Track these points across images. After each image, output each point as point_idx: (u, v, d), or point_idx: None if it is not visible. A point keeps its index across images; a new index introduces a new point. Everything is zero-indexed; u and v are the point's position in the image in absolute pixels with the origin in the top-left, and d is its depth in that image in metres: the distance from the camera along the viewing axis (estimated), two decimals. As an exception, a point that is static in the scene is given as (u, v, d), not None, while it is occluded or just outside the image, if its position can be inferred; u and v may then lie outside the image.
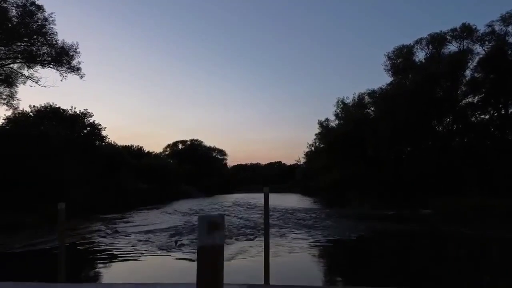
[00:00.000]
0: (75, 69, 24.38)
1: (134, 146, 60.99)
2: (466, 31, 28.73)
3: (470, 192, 28.38)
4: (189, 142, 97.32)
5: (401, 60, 32.85)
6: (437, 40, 30.63)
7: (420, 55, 32.40)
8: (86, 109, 35.26)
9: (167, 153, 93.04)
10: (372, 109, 41.67)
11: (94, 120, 35.56)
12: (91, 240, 13.59)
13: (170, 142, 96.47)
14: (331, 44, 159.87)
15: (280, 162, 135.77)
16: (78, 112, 34.94)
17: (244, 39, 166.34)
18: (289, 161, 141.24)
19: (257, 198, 55.81)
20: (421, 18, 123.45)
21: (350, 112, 43.43)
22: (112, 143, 45.75)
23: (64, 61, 24.37)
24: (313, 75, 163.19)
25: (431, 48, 31.28)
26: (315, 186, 57.39)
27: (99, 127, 35.76)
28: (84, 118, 35.11)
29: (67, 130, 34.51)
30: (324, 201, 42.98)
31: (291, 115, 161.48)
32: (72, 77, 24.47)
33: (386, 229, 16.23)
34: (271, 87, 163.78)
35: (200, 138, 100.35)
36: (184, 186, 64.85)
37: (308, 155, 72.28)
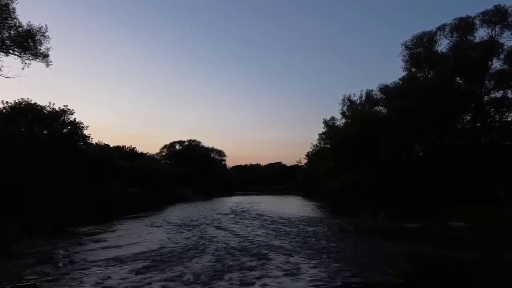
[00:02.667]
0: (42, 56, 20.52)
1: (126, 147, 57.10)
2: (499, 14, 24.91)
3: (495, 200, 24.67)
4: (186, 143, 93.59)
5: (420, 49, 28.98)
6: (462, 27, 26.77)
7: (443, 44, 28.55)
8: (66, 106, 31.44)
9: (163, 154, 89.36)
10: (383, 106, 37.90)
11: (75, 118, 31.73)
12: (20, 284, 9.68)
13: (167, 142, 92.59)
14: (332, 44, 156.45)
15: (280, 162, 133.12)
16: (57, 109, 31.13)
17: (243, 39, 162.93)
18: (289, 161, 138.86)
19: (258, 201, 52.20)
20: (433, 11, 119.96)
21: (359, 110, 39.64)
22: (100, 143, 42.11)
23: (30, 46, 20.54)
24: (313, 75, 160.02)
25: (456, 35, 27.45)
26: (318, 190, 53.49)
27: (81, 125, 31.88)
28: (64, 116, 31.23)
29: (45, 129, 30.82)
30: (329, 207, 39.14)
31: (291, 115, 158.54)
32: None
33: (431, 255, 12.34)
34: (270, 87, 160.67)
35: (198, 139, 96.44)
36: (182, 189, 61.12)
37: (309, 156, 68.73)
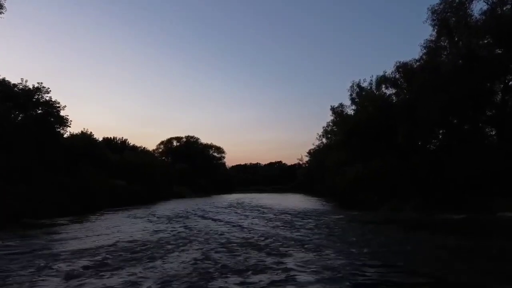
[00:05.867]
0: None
1: (118, 138, 52.88)
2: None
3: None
4: (184, 139, 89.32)
5: (449, 14, 24.90)
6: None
7: (477, 8, 24.35)
8: (41, 83, 27.14)
9: (160, 150, 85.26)
10: (399, 88, 33.85)
11: (51, 97, 27.41)
12: None
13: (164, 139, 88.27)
14: (333, 44, 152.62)
15: (280, 162, 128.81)
16: (30, 87, 26.89)
17: (243, 38, 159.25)
18: (289, 161, 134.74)
19: (259, 197, 48.11)
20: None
21: (372, 94, 35.56)
22: (86, 131, 37.85)
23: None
24: (313, 75, 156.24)
25: (492, -3, 23.39)
26: (323, 187, 49.20)
27: (57, 106, 27.56)
28: (39, 94, 26.95)
29: (16, 110, 26.70)
30: (340, 202, 34.97)
31: (291, 115, 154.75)
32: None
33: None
34: (271, 87, 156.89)
35: (196, 135, 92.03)
36: (179, 186, 57.09)
37: (312, 153, 65.08)
